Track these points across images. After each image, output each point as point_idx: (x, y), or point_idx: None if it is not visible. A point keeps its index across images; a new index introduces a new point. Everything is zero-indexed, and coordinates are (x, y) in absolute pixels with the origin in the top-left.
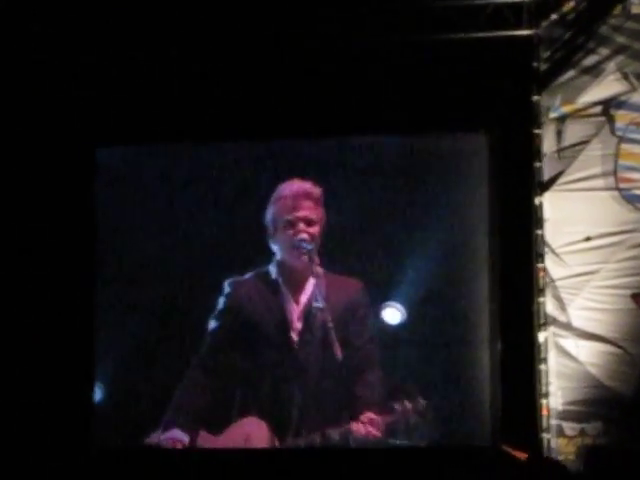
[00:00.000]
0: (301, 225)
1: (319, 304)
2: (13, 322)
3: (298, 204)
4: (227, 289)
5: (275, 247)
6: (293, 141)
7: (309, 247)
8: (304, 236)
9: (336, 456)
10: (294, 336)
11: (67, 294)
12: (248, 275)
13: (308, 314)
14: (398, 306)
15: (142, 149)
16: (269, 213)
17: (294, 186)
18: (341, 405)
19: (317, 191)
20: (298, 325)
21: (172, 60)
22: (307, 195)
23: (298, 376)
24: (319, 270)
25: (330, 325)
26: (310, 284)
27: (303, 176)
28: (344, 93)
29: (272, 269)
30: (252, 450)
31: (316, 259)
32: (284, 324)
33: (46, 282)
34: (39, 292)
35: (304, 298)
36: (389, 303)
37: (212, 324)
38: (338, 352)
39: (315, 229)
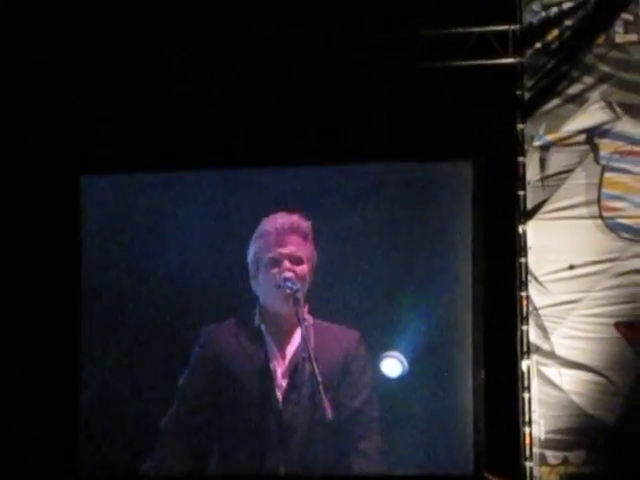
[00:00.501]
0: (286, 263)
1: (307, 356)
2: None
3: (283, 240)
4: (202, 338)
5: (258, 289)
6: (279, 170)
7: (295, 287)
8: (289, 275)
9: None
10: (278, 394)
11: (52, 324)
12: (228, 321)
13: (295, 369)
14: (398, 356)
15: (126, 177)
16: (251, 251)
17: (278, 220)
18: (331, 478)
19: (305, 225)
20: (283, 382)
21: (157, 87)
22: (293, 229)
23: (282, 442)
24: (308, 317)
25: (319, 380)
26: (297, 334)
27: (289, 209)
28: (329, 121)
29: (254, 315)
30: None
31: (305, 304)
32: (267, 380)
33: (31, 311)
34: (23, 323)
35: (290, 350)
36: (388, 354)
37: (183, 379)
38: (328, 412)
39: (303, 268)
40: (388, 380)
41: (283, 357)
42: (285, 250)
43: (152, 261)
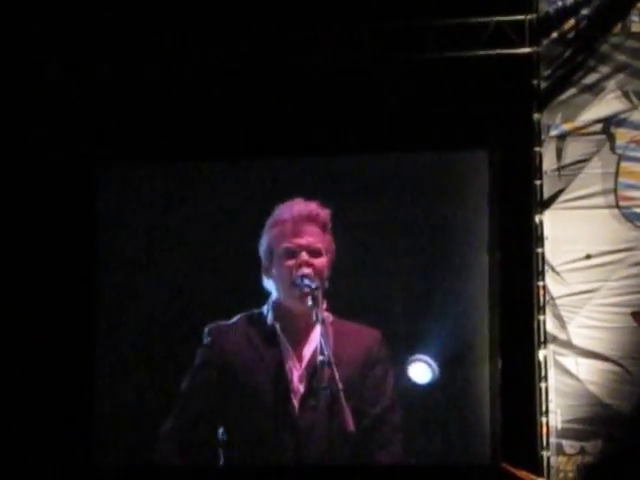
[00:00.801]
0: (304, 256)
1: (326, 360)
2: (11, 345)
3: (300, 229)
4: (207, 338)
5: (270, 284)
6: (295, 159)
7: (313, 285)
8: (307, 271)
9: (342, 472)
10: (294, 400)
11: (66, 316)
12: (236, 318)
13: (313, 373)
14: (428, 360)
15: (140, 168)
16: (264, 241)
17: (295, 207)
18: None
19: (324, 214)
20: (300, 386)
21: (168, 78)
22: (312, 218)
23: (298, 452)
24: (327, 316)
25: (340, 387)
26: (315, 334)
27: (307, 196)
28: (347, 111)
29: (267, 312)
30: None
31: (323, 301)
32: (282, 384)
33: (46, 305)
34: (37, 315)
35: (308, 351)
36: (416, 357)
37: (185, 383)
38: (350, 423)
39: (321, 261)
40: (413, 383)
41: (300, 359)
42: (302, 241)
43: (164, 254)
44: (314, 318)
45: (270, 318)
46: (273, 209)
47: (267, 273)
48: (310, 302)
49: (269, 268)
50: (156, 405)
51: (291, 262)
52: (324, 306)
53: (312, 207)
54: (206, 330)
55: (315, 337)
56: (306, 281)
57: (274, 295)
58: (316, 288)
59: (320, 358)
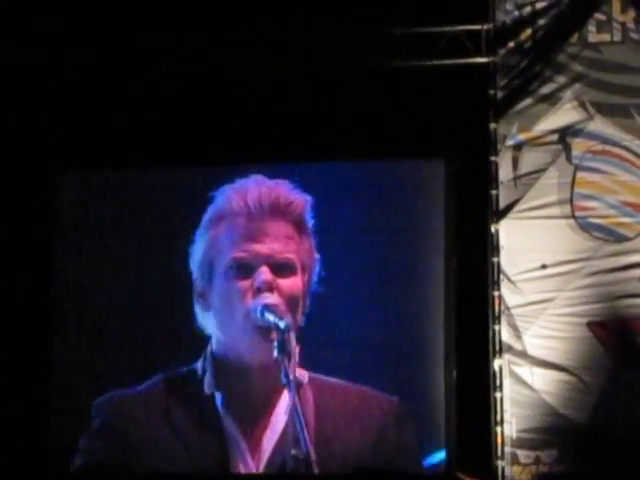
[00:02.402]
0: (265, 273)
1: (304, 454)
2: None
3: (260, 227)
4: (95, 420)
5: (208, 322)
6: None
7: (281, 324)
8: (270, 300)
9: None
10: None
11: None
12: (149, 383)
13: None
14: None
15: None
16: (198, 248)
17: (253, 191)
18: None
19: (300, 203)
20: None
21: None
22: (279, 208)
23: None
24: (302, 375)
25: None
26: (282, 404)
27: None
28: (301, 119)
29: (202, 372)
30: None
31: (296, 350)
32: None
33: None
34: None
35: (269, 441)
36: None
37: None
38: None
39: (294, 282)
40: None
41: (256, 453)
42: (263, 248)
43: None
44: (282, 380)
45: (207, 382)
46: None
47: (203, 302)
48: (276, 353)
49: (206, 294)
50: None
51: (244, 283)
52: (297, 356)
53: (281, 190)
54: (95, 405)
55: (281, 411)
56: (269, 317)
57: (214, 339)
58: (286, 329)
59: (293, 452)
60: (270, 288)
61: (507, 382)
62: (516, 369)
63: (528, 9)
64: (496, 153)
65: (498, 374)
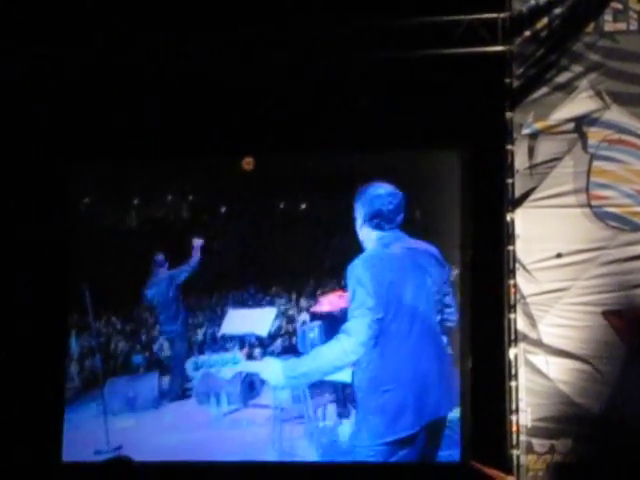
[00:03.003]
0: None
1: None
2: None
3: None
4: None
5: None
6: (264, 158)
7: None
8: None
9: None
10: None
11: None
12: None
13: None
14: None
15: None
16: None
17: None
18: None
19: None
20: None
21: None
22: None
23: None
24: None
25: None
26: None
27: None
28: (317, 110)
29: None
30: None
31: None
32: None
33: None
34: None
35: None
36: None
37: None
38: None
39: None
40: None
41: None
42: None
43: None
44: None
45: None
46: None
47: None
48: None
49: None
50: None
51: None
52: None
53: None
54: None
55: None
56: None
57: None
58: None
59: None
60: None
61: (522, 371)
62: (531, 358)
63: None
64: (512, 142)
65: (513, 363)
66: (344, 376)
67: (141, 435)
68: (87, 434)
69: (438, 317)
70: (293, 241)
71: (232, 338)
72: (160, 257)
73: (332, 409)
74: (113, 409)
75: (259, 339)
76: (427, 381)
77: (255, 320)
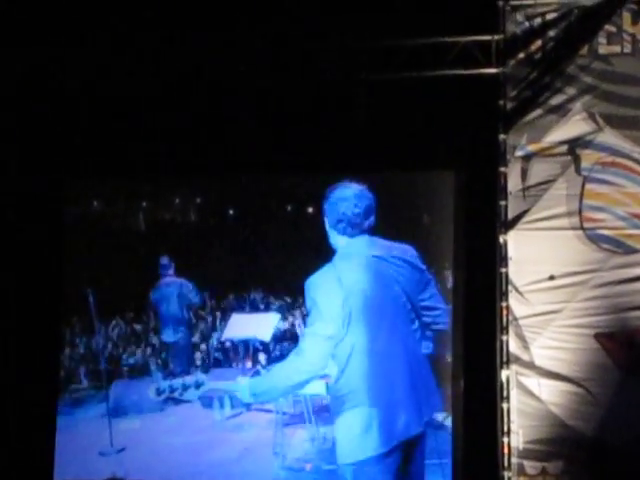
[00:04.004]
0: None
1: None
2: None
3: None
4: None
5: None
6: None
7: None
8: None
9: None
10: None
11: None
12: None
13: None
14: None
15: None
16: None
17: None
18: None
19: None
20: None
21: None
22: None
23: None
24: None
25: None
26: None
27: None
28: (311, 131)
29: None
30: None
31: None
32: None
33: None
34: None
35: None
36: None
37: None
38: None
39: None
40: None
41: None
42: None
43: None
44: None
45: None
46: None
47: None
48: None
49: None
50: None
51: None
52: None
53: None
54: None
55: None
56: None
57: None
58: None
59: None
60: None
61: (514, 393)
62: (523, 380)
63: (538, 20)
64: (505, 164)
65: (505, 385)
66: (319, 389)
67: (145, 437)
68: (91, 435)
69: (414, 324)
70: (299, 244)
71: (235, 343)
72: (165, 260)
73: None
74: (117, 411)
75: (263, 344)
76: (396, 397)
77: (258, 325)
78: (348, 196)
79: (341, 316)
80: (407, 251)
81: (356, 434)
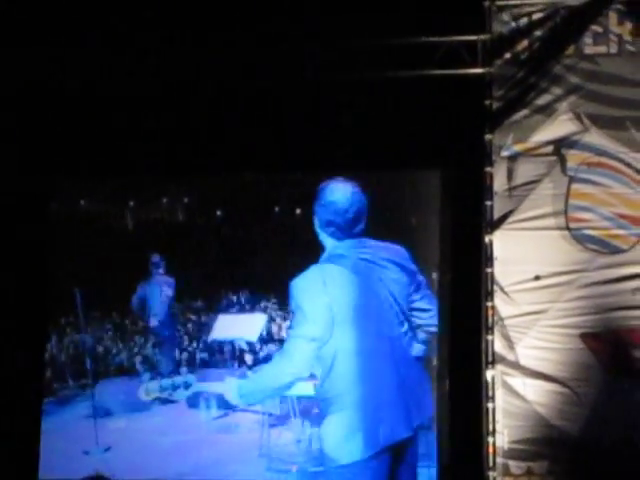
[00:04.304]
0: None
1: None
2: None
3: None
4: None
5: None
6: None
7: None
8: None
9: None
10: None
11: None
12: None
13: None
14: None
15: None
16: None
17: None
18: None
19: None
20: None
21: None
22: None
23: None
24: None
25: None
26: None
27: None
28: (297, 131)
29: None
30: None
31: None
32: None
33: None
34: None
35: None
36: None
37: None
38: None
39: None
40: None
41: None
42: None
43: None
44: None
45: None
46: None
47: None
48: None
49: None
50: None
51: None
52: None
53: None
54: None
55: None
56: None
57: None
58: None
59: None
60: None
61: (499, 393)
62: (509, 380)
63: (525, 20)
64: (491, 164)
65: (490, 385)
66: (306, 390)
67: (131, 437)
68: (77, 435)
69: (403, 327)
70: (287, 245)
71: (222, 344)
72: (156, 258)
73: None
74: (103, 411)
75: (249, 344)
76: (382, 401)
77: (245, 325)
78: (340, 200)
79: (325, 319)
80: (397, 252)
81: (341, 437)
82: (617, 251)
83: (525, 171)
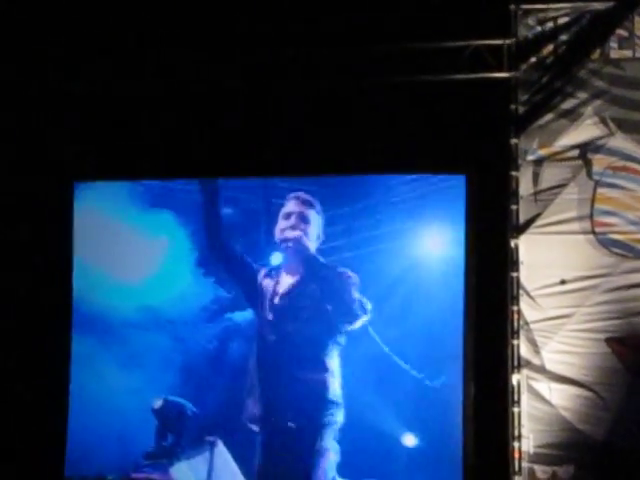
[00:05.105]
0: None
1: None
2: None
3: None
4: None
5: None
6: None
7: None
8: None
9: None
10: None
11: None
12: None
13: None
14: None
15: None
16: None
17: None
18: None
19: None
20: None
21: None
22: None
23: None
24: None
25: None
26: None
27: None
28: (324, 133)
29: None
30: None
31: None
32: None
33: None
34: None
35: None
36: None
37: None
38: None
39: None
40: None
41: None
42: None
43: None
44: None
45: None
46: None
47: None
48: None
49: None
50: None
51: None
52: None
53: None
54: None
55: None
56: None
57: None
58: None
59: None
60: None
61: (525, 397)
62: (534, 384)
63: (550, 25)
64: (517, 168)
65: (516, 389)
66: None
67: None
68: None
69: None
70: None
71: None
72: None
73: None
74: None
75: None
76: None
77: None
78: None
79: None
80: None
81: None
82: None
83: (551, 175)
